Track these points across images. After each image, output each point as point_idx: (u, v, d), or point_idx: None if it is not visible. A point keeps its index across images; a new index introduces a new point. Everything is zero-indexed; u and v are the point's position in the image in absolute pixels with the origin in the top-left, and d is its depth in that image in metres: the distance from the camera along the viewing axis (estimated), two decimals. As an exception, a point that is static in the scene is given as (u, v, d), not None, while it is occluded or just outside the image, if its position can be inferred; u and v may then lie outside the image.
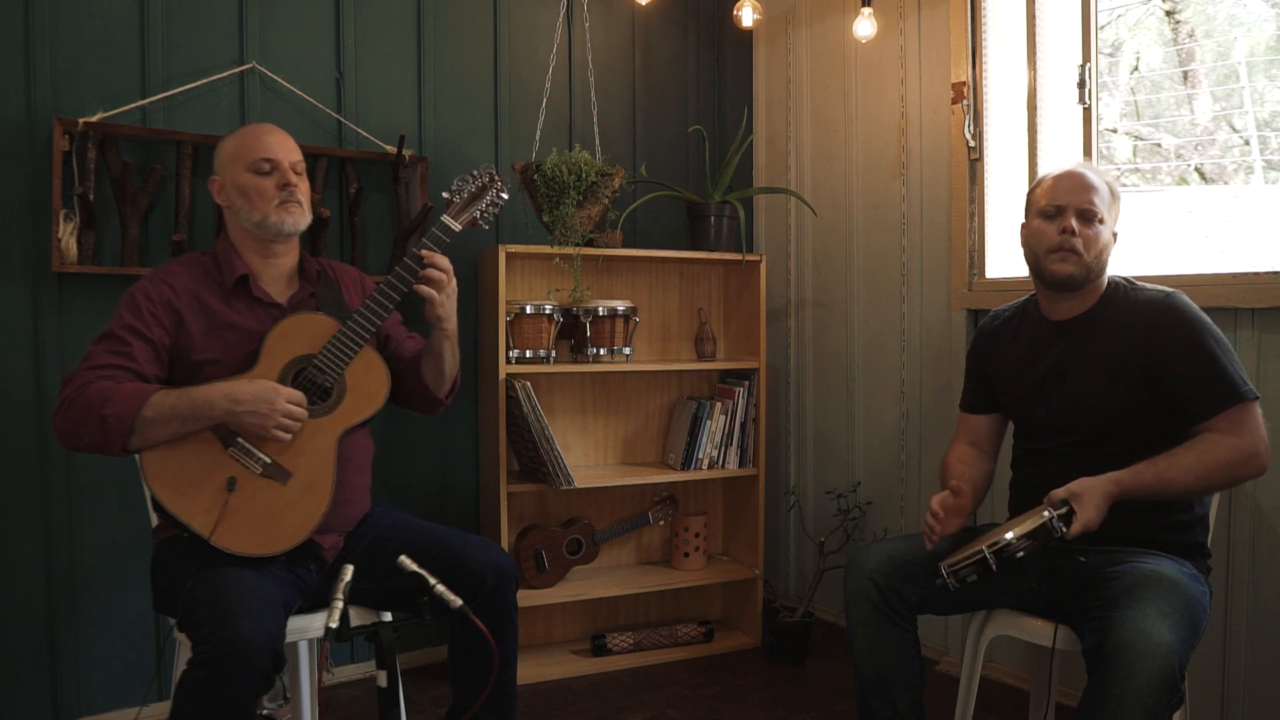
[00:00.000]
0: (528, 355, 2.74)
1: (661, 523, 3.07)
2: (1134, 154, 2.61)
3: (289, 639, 1.68)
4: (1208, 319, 1.75)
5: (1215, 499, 1.88)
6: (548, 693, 2.66)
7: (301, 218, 1.90)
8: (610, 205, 2.83)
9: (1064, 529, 1.61)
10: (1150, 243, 2.42)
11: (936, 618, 2.72)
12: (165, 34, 2.46)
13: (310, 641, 2.04)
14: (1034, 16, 2.62)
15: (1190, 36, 2.50)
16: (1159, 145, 2.57)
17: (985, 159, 2.74)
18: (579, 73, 3.11)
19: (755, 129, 3.51)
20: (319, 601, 1.80)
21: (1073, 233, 1.78)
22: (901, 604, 1.77)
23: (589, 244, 2.79)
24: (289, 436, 1.73)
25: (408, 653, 2.82)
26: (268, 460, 1.74)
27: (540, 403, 2.65)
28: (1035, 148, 2.64)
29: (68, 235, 2.28)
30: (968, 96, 2.72)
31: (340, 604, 1.41)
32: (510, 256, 2.78)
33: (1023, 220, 1.92)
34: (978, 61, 2.72)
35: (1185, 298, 1.78)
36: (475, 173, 1.95)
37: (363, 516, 1.94)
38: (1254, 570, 2.13)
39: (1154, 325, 1.75)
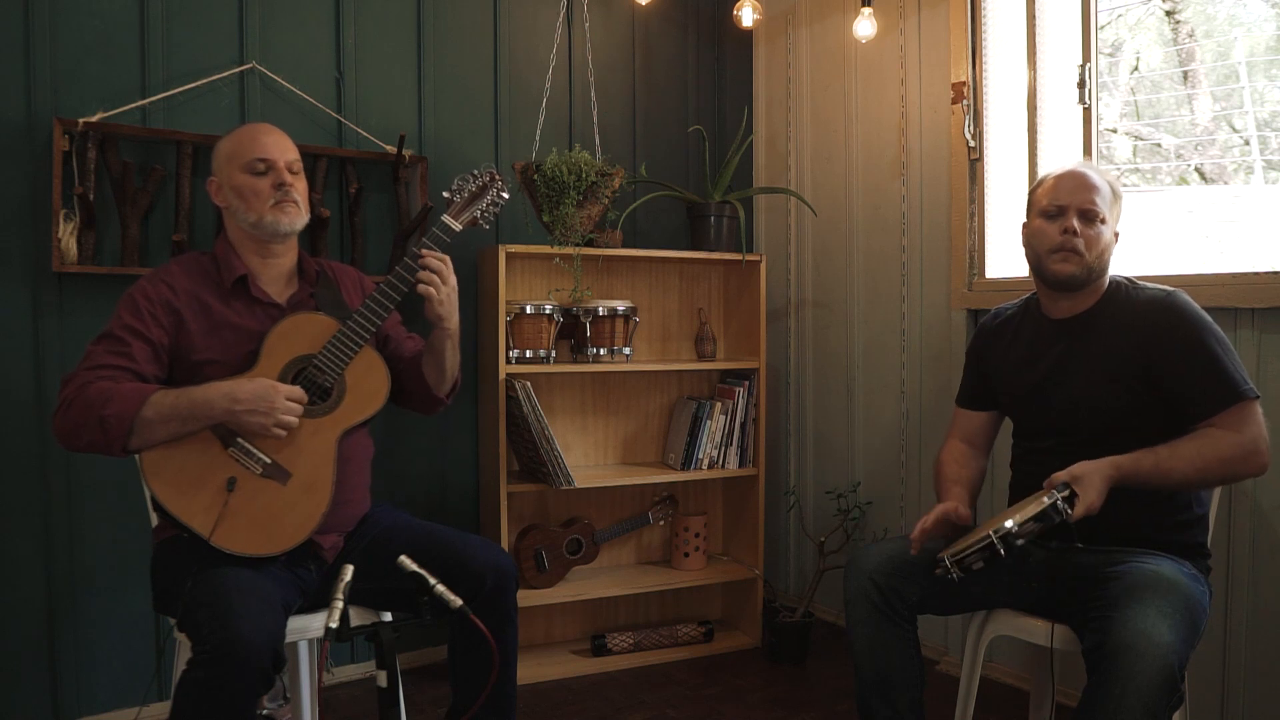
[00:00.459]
0: (528, 355, 2.74)
1: (661, 523, 3.07)
2: (1134, 154, 2.61)
3: (289, 639, 1.69)
4: (1208, 318, 1.75)
5: (1215, 499, 1.88)
6: (548, 693, 2.67)
7: (298, 217, 1.89)
8: (610, 205, 2.83)
9: (1068, 511, 1.60)
10: (1150, 243, 2.42)
11: (936, 618, 2.72)
12: (165, 34, 2.46)
13: (310, 641, 2.04)
14: (1034, 16, 2.62)
15: (1190, 36, 2.50)
16: (1159, 145, 2.57)
17: (985, 159, 2.74)
18: (579, 73, 3.11)
19: (755, 129, 3.51)
20: (319, 601, 1.80)
21: (1074, 233, 1.78)
22: (901, 604, 1.77)
23: (589, 244, 2.79)
24: (287, 435, 1.73)
25: (408, 653, 2.82)
26: (268, 460, 1.74)
27: (540, 403, 2.65)
28: (1035, 148, 2.64)
29: (68, 235, 2.28)
30: (968, 96, 2.72)
31: (340, 604, 1.41)
32: (510, 256, 2.78)
33: (1024, 220, 1.92)
34: (978, 61, 2.73)
35: (1186, 297, 1.78)
36: (476, 172, 1.95)
37: (363, 516, 1.94)
38: (1254, 570, 2.13)
39: (1154, 324, 1.75)
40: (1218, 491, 1.89)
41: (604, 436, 3.09)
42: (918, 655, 1.79)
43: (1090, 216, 1.79)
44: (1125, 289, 1.84)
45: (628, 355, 2.89)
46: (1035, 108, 2.63)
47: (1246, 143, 2.39)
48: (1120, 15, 2.60)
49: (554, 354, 2.79)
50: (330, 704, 2.57)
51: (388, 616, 1.89)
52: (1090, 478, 1.63)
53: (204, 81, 2.49)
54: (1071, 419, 1.82)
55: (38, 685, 2.33)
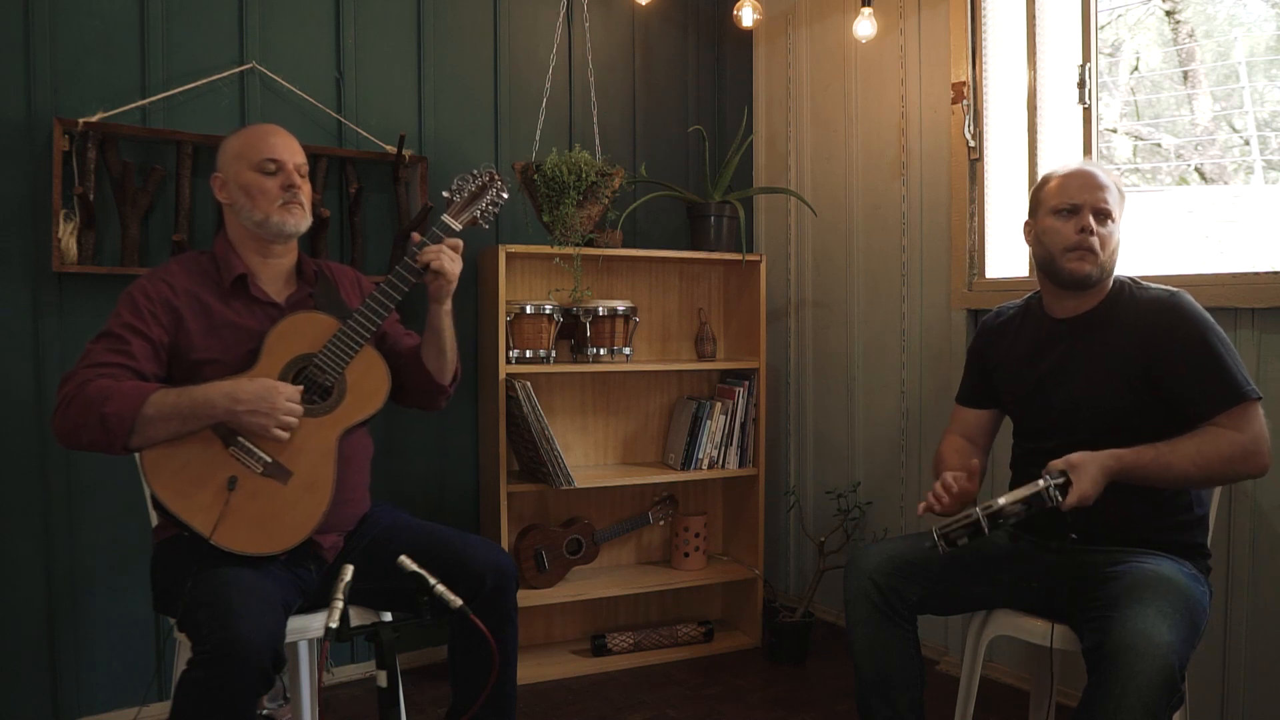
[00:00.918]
0: (528, 355, 2.74)
1: (661, 523, 3.07)
2: (1134, 154, 2.61)
3: (289, 639, 1.68)
4: (1210, 318, 1.74)
5: (1215, 499, 1.88)
6: (548, 693, 2.66)
7: (303, 220, 1.90)
8: (610, 205, 2.83)
9: (1059, 498, 1.60)
10: (1150, 243, 2.42)
11: (936, 618, 2.72)
12: (165, 34, 2.46)
13: (310, 641, 2.04)
14: (1034, 16, 2.62)
15: (1190, 36, 2.50)
16: (1159, 145, 2.57)
17: (985, 159, 2.74)
18: (579, 73, 3.11)
19: (755, 129, 3.51)
20: (319, 601, 1.80)
21: (1090, 231, 1.77)
22: (901, 604, 1.77)
23: (589, 244, 2.79)
24: (288, 435, 1.73)
25: (408, 653, 2.82)
26: (268, 459, 1.74)
27: (540, 403, 2.65)
28: (1035, 148, 2.64)
29: (68, 235, 2.28)
30: (968, 96, 2.72)
31: (340, 604, 1.41)
32: (510, 256, 2.78)
33: (1027, 219, 1.92)
34: (978, 61, 2.73)
35: (1189, 297, 1.77)
36: (475, 172, 1.95)
37: (362, 516, 1.94)
38: (1254, 570, 2.13)
39: (1157, 325, 1.75)
40: (1218, 491, 1.89)
41: (604, 436, 3.09)
42: (918, 655, 1.79)
43: (1103, 215, 1.79)
44: (1129, 289, 1.83)
45: (628, 355, 2.89)
46: (1035, 108, 2.63)
47: (1246, 143, 2.39)
48: (1120, 15, 2.60)
49: (554, 354, 2.79)
50: (330, 704, 2.57)
51: (388, 616, 1.89)
52: (1087, 467, 1.63)
53: (204, 81, 2.49)
54: (1073, 418, 1.81)
55: (38, 685, 2.33)
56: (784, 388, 3.43)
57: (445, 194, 1.94)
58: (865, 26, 2.87)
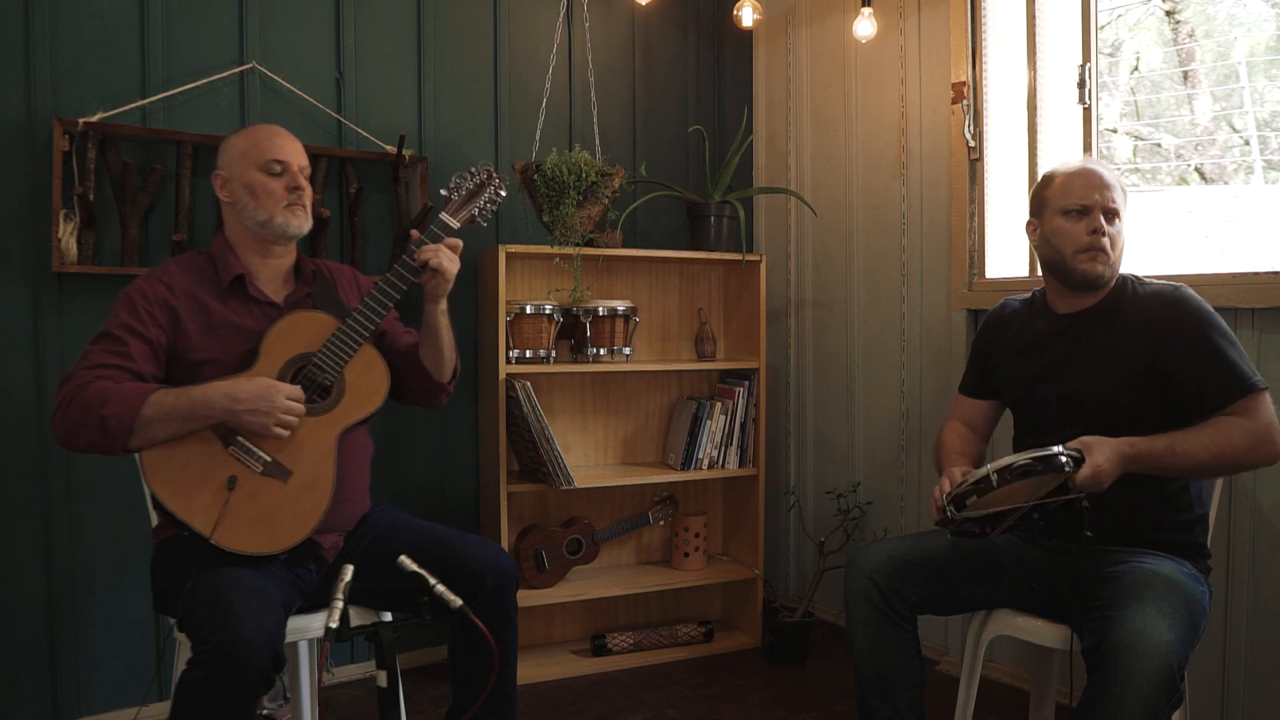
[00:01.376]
0: (528, 355, 2.74)
1: (661, 523, 3.07)
2: (1134, 154, 2.61)
3: (289, 639, 1.68)
4: (1213, 311, 1.74)
5: (1215, 498, 1.88)
6: (548, 693, 2.66)
7: (305, 222, 1.91)
8: (610, 205, 2.83)
9: (1073, 467, 1.57)
10: (1150, 243, 2.42)
11: (936, 618, 2.72)
12: (165, 34, 2.46)
13: (310, 641, 2.04)
14: (1034, 16, 2.62)
15: (1190, 36, 2.50)
16: (1159, 145, 2.57)
17: (985, 159, 2.74)
18: (579, 73, 3.11)
19: (755, 129, 3.51)
20: (319, 601, 1.80)
21: (1102, 232, 1.77)
22: (902, 604, 1.77)
23: (589, 244, 2.79)
24: (288, 433, 1.73)
25: (408, 653, 2.82)
26: (268, 459, 1.74)
27: (540, 403, 2.65)
28: (1035, 148, 2.64)
29: (68, 235, 2.28)
30: (968, 96, 2.72)
31: (340, 604, 1.41)
32: (510, 256, 2.78)
33: (1030, 218, 1.91)
34: (978, 61, 2.73)
35: (1190, 291, 1.78)
36: (473, 170, 1.95)
37: (362, 516, 1.94)
38: (1254, 570, 2.13)
39: (1160, 319, 1.75)
40: (1217, 491, 1.89)
41: (604, 436, 3.09)
42: (918, 655, 1.79)
43: (1112, 214, 1.79)
44: (1131, 284, 1.83)
45: (628, 355, 2.89)
46: (1035, 108, 2.63)
47: (1246, 143, 2.39)
48: (1120, 15, 2.60)
49: (554, 354, 2.79)
50: (330, 704, 2.57)
51: (388, 616, 1.89)
52: (1101, 447, 1.61)
53: (204, 81, 2.49)
54: (1073, 412, 1.80)
55: (38, 685, 2.33)
56: (784, 388, 3.43)
57: (443, 192, 1.94)
58: (865, 26, 2.87)
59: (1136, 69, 2.64)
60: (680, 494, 3.16)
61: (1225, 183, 2.43)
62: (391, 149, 2.69)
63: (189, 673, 1.49)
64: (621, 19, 3.21)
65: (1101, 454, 1.60)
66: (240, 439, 1.73)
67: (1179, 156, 2.52)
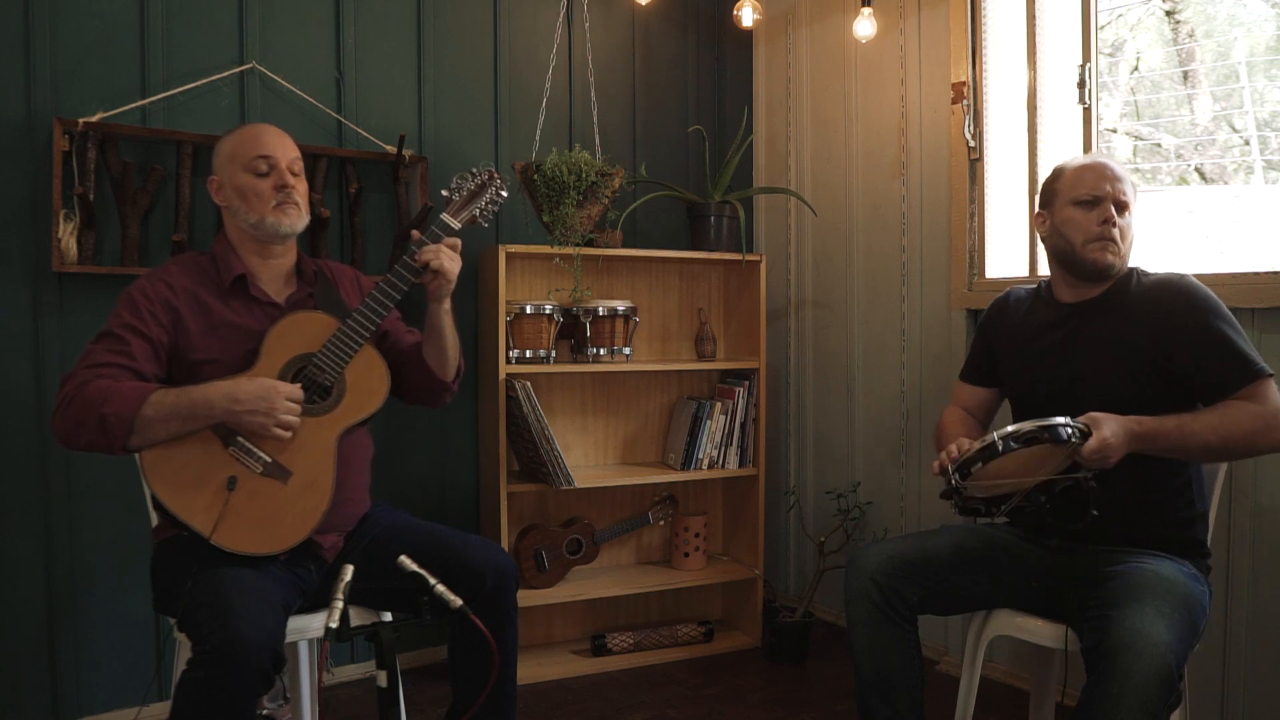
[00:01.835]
0: (528, 355, 2.74)
1: (661, 523, 3.07)
2: (1134, 154, 2.61)
3: (289, 639, 1.68)
4: (1217, 298, 1.75)
5: (1215, 497, 1.88)
6: (548, 693, 2.66)
7: (299, 219, 1.90)
8: (610, 205, 2.83)
9: (1079, 438, 1.57)
10: (1150, 243, 2.42)
11: (936, 618, 2.72)
12: (165, 34, 2.46)
13: (310, 641, 2.04)
14: (1034, 16, 2.62)
15: (1190, 36, 2.50)
16: (1159, 145, 2.57)
17: (985, 159, 2.74)
18: (579, 73, 3.11)
19: (755, 129, 3.51)
20: (319, 601, 1.80)
21: (1113, 222, 1.78)
22: (902, 604, 1.77)
23: (589, 244, 2.79)
24: (289, 434, 1.73)
25: (408, 653, 2.82)
26: (268, 459, 1.74)
27: (540, 403, 2.65)
28: (1035, 148, 2.64)
29: (68, 235, 2.28)
30: (968, 96, 2.72)
31: (340, 604, 1.41)
32: (510, 256, 2.78)
33: (1040, 210, 1.91)
34: (978, 61, 2.73)
35: (1194, 279, 1.78)
36: (474, 170, 1.95)
37: (362, 516, 1.94)
38: (1254, 570, 2.13)
39: (1164, 308, 1.76)
40: (1218, 490, 1.89)
41: (604, 436, 3.09)
42: (918, 655, 1.79)
43: (1122, 206, 1.81)
44: (1135, 274, 1.84)
45: (628, 355, 2.89)
46: (1035, 108, 2.63)
47: (1246, 143, 2.39)
48: (1120, 15, 2.60)
49: (554, 354, 2.79)
50: (330, 704, 2.57)
51: (388, 616, 1.89)
52: (1108, 421, 1.61)
53: (204, 81, 2.49)
54: (1072, 400, 1.80)
55: (38, 685, 2.33)
56: (784, 388, 3.43)
57: (444, 193, 1.94)
58: (865, 26, 2.87)
59: (1136, 69, 2.64)
60: (680, 494, 3.16)
61: (1225, 183, 2.44)
62: (391, 149, 2.69)
63: (189, 673, 1.49)
64: (621, 19, 3.21)
65: (1109, 428, 1.60)
66: (240, 439, 1.73)
67: (1179, 156, 2.52)
